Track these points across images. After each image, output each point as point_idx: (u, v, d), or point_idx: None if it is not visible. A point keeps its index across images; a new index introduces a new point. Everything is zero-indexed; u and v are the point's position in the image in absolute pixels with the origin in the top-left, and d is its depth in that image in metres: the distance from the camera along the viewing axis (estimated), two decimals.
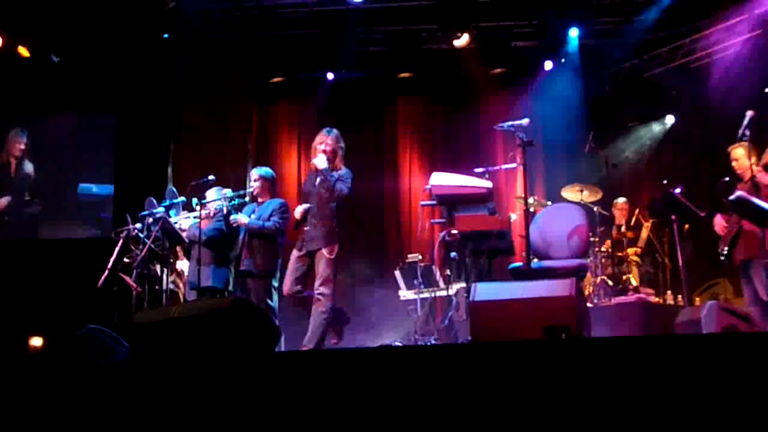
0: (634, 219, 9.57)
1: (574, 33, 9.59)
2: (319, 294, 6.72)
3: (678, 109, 10.23)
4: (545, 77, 10.11)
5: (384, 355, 4.36)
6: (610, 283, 8.51)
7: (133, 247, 7.50)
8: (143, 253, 7.20)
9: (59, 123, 10.51)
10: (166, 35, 9.71)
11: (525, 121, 6.48)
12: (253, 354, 4.45)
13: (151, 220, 7.31)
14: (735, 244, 6.68)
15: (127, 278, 7.36)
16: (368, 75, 10.50)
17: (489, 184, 6.67)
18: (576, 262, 6.86)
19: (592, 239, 8.39)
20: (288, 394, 3.59)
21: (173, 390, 3.75)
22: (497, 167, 7.55)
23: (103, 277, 7.16)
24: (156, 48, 9.72)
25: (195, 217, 7.35)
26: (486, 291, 5.36)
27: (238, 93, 10.54)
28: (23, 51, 9.66)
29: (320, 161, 6.85)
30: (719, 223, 6.83)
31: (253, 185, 7.43)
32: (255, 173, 7.52)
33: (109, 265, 7.22)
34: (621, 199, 9.63)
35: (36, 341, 8.83)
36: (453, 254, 7.98)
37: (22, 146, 10.27)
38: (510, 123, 6.52)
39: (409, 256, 9.07)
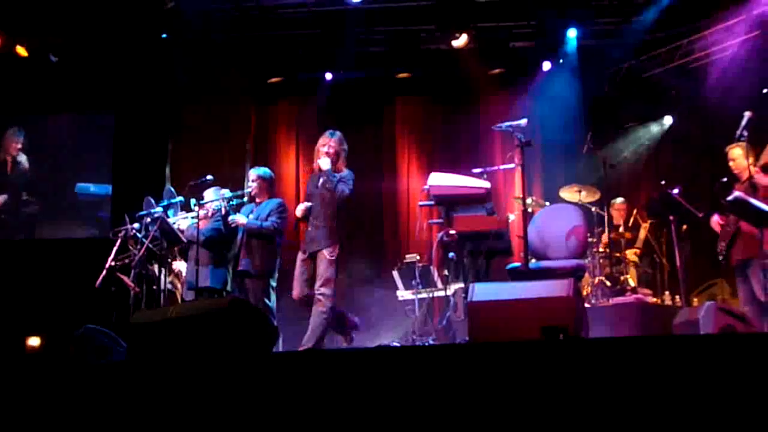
0: (632, 219, 9.56)
1: (572, 33, 9.59)
2: (319, 294, 6.74)
3: (676, 110, 10.22)
4: (544, 77, 10.11)
5: (382, 355, 4.36)
6: (608, 283, 8.50)
7: (131, 248, 7.51)
8: (141, 254, 7.19)
9: (58, 123, 10.52)
10: (164, 35, 9.70)
11: (523, 122, 6.48)
12: (250, 354, 4.44)
13: (149, 220, 7.31)
14: (733, 245, 6.68)
15: (125, 278, 7.35)
16: (367, 75, 10.50)
17: (487, 184, 6.67)
18: (574, 262, 6.86)
19: (590, 240, 8.40)
20: (286, 395, 3.59)
21: (171, 390, 3.75)
22: (495, 167, 7.56)
23: (101, 277, 7.16)
24: (154, 48, 9.72)
25: (193, 218, 7.34)
26: (484, 291, 5.37)
27: (237, 93, 10.53)
28: (21, 51, 9.65)
29: (324, 163, 6.88)
30: (715, 220, 6.84)
31: (251, 185, 7.42)
32: (253, 173, 7.52)
33: (107, 265, 7.22)
34: (619, 200, 9.62)
35: (34, 341, 8.82)
36: (451, 254, 7.97)
37: (19, 146, 10.28)
38: (508, 123, 6.53)
39: (407, 256, 9.07)
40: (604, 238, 8.85)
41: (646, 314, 7.39)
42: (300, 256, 6.97)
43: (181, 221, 7.56)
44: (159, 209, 7.31)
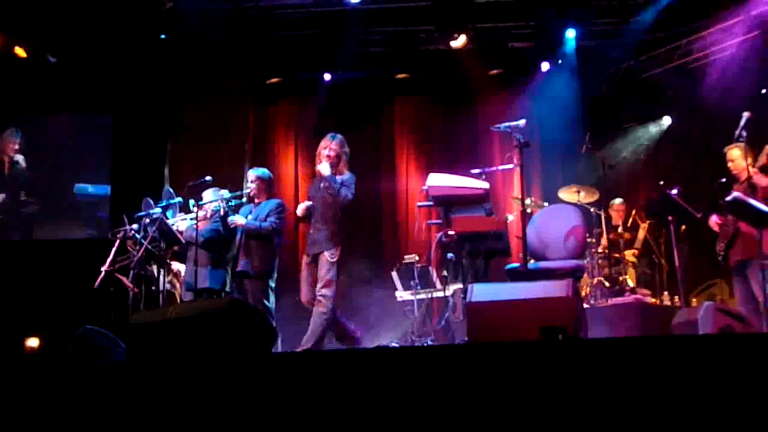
0: (631, 220, 9.57)
1: (571, 34, 9.59)
2: (320, 296, 6.78)
3: (675, 110, 10.22)
4: (542, 78, 10.11)
5: (381, 355, 4.36)
6: (607, 284, 8.51)
7: (130, 248, 7.51)
8: (140, 254, 7.19)
9: (56, 123, 10.52)
10: (163, 36, 9.70)
11: (522, 122, 6.48)
12: (249, 355, 4.44)
13: (147, 220, 7.30)
14: (732, 245, 6.69)
15: (124, 279, 7.35)
16: (366, 75, 10.50)
17: (486, 185, 6.67)
18: (573, 263, 6.86)
19: (588, 240, 8.40)
20: (285, 395, 3.59)
21: (170, 391, 3.74)
22: (494, 168, 7.55)
23: (99, 278, 7.16)
24: (153, 48, 9.72)
25: (192, 219, 7.34)
26: (483, 292, 5.37)
27: (236, 93, 10.53)
28: (20, 51, 9.65)
29: (325, 168, 6.89)
30: (715, 222, 6.84)
31: (250, 186, 7.42)
32: (252, 174, 7.52)
33: (106, 266, 7.22)
34: (618, 200, 9.63)
35: (32, 342, 8.82)
36: (450, 255, 7.97)
37: (16, 146, 10.28)
38: (507, 124, 6.52)
39: (406, 256, 9.07)
40: (603, 240, 8.86)
41: (645, 314, 7.39)
42: (305, 260, 7.04)
43: (180, 222, 7.55)
44: (158, 210, 7.30)
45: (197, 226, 7.17)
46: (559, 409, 3.26)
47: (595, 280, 8.55)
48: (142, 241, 7.22)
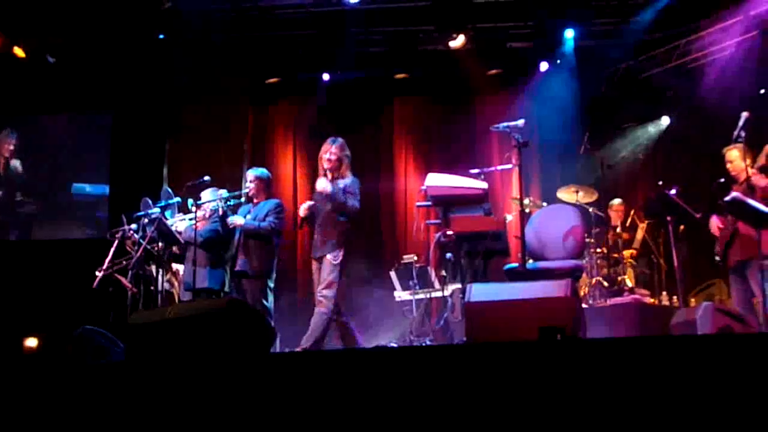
0: (629, 220, 9.57)
1: (570, 34, 9.59)
2: (321, 296, 6.82)
3: (674, 110, 10.23)
4: (541, 78, 10.11)
5: (379, 355, 4.36)
6: (606, 284, 8.52)
7: (129, 249, 7.50)
8: (138, 254, 7.18)
9: (55, 123, 10.52)
10: (162, 36, 9.69)
11: (521, 122, 6.48)
12: (248, 355, 4.44)
13: (146, 220, 7.30)
14: (731, 245, 6.69)
15: (123, 279, 7.35)
16: (365, 76, 10.50)
17: (484, 185, 6.68)
18: (571, 263, 6.86)
19: (587, 240, 8.40)
20: (283, 395, 3.59)
21: (169, 391, 3.74)
22: (493, 168, 7.56)
23: (98, 278, 7.16)
24: (152, 48, 9.71)
25: (191, 219, 7.33)
26: (481, 292, 5.38)
27: (235, 93, 10.53)
28: (19, 51, 9.64)
29: (325, 186, 6.88)
30: (714, 224, 6.85)
31: (249, 186, 7.42)
32: (251, 174, 7.52)
33: (105, 266, 7.21)
34: (616, 200, 9.63)
35: (31, 342, 8.82)
36: (448, 255, 7.99)
37: (12, 147, 10.28)
38: (506, 124, 6.53)
39: (404, 256, 9.08)
40: (603, 241, 8.86)
41: (644, 314, 7.39)
42: (314, 265, 7.06)
43: (179, 222, 7.55)
44: (156, 210, 7.29)
45: (196, 226, 7.17)
46: (558, 409, 3.26)
47: (594, 280, 8.55)
48: (141, 241, 7.22)
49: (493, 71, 10.34)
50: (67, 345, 5.80)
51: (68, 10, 9.16)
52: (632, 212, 9.58)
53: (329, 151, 7.06)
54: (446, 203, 6.65)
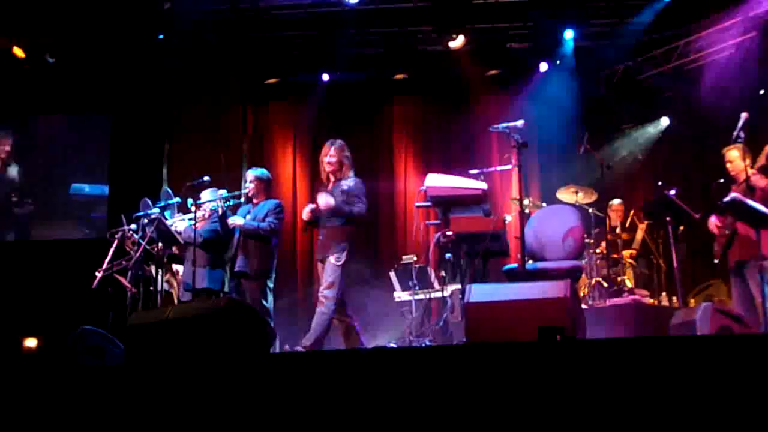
0: (629, 221, 9.58)
1: (568, 35, 9.61)
2: (322, 296, 6.81)
3: (673, 111, 10.24)
4: (540, 79, 10.13)
5: (378, 356, 4.35)
6: (605, 284, 8.52)
7: (128, 249, 7.50)
8: (138, 255, 7.18)
9: (54, 123, 10.51)
10: (160, 36, 9.69)
11: (520, 123, 6.48)
12: (247, 355, 4.44)
13: (146, 221, 7.29)
14: (730, 246, 6.69)
15: (122, 279, 7.34)
16: (364, 76, 10.51)
17: (484, 185, 6.67)
18: (571, 263, 6.87)
19: (586, 241, 8.40)
20: (282, 396, 3.59)
21: (168, 391, 3.74)
22: (492, 169, 7.55)
23: (97, 279, 7.15)
24: (152, 49, 9.71)
25: (190, 219, 7.33)
26: (481, 292, 5.37)
27: (234, 94, 10.54)
28: (18, 52, 9.64)
29: (324, 200, 6.88)
30: (713, 222, 6.85)
31: (249, 186, 7.41)
32: (250, 174, 7.51)
33: (104, 266, 7.21)
34: (616, 201, 9.63)
35: (30, 342, 8.81)
36: (448, 255, 7.99)
37: (7, 147, 10.28)
38: (505, 124, 6.52)
39: (404, 257, 9.08)
40: (602, 241, 8.86)
41: (643, 315, 7.39)
42: (319, 266, 7.06)
43: (178, 222, 7.55)
44: (156, 210, 7.29)
45: (195, 226, 7.16)
46: (557, 409, 3.26)
47: (594, 281, 8.55)
48: (141, 241, 7.21)
49: (493, 72, 10.36)
50: (66, 345, 5.79)
51: (67, 11, 9.16)
52: (632, 213, 9.59)
53: (328, 154, 7.07)
54: (446, 204, 6.64)
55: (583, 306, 7.11)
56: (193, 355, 4.45)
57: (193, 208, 7.20)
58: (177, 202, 7.61)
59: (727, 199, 6.36)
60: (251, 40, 10.11)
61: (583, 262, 8.39)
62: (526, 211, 7.56)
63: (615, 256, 9.02)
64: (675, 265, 7.10)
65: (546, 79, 10.06)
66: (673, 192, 7.12)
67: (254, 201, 7.38)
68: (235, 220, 7.18)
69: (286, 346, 7.27)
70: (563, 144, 9.77)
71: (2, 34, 9.49)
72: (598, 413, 3.23)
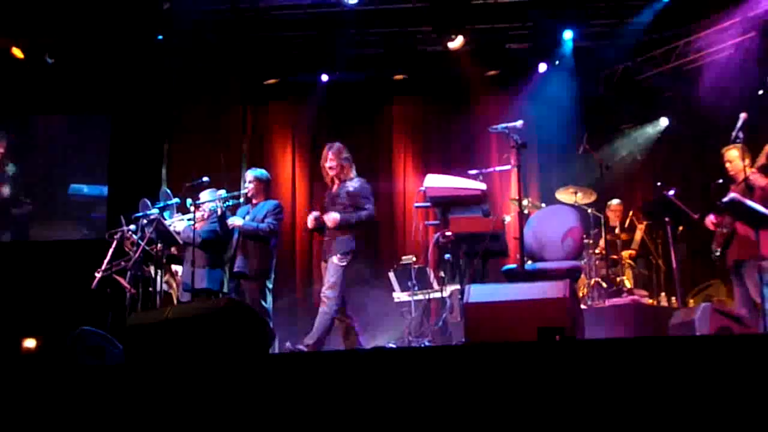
0: (628, 221, 9.58)
1: (568, 35, 9.61)
2: (324, 296, 6.84)
3: (672, 111, 10.24)
4: (539, 79, 10.13)
5: (378, 356, 4.35)
6: (604, 284, 8.52)
7: (127, 249, 7.49)
8: (137, 255, 7.18)
9: (53, 123, 10.51)
10: (160, 37, 9.69)
11: (519, 123, 6.48)
12: (246, 355, 4.44)
13: (145, 221, 7.29)
14: (729, 246, 6.69)
15: (122, 280, 7.34)
16: (363, 76, 10.51)
17: (483, 185, 6.67)
18: (570, 263, 6.87)
19: (586, 241, 8.40)
20: (281, 396, 3.59)
21: (167, 392, 3.74)
22: (491, 169, 7.56)
23: (97, 279, 7.15)
24: (151, 49, 9.71)
25: (189, 219, 7.33)
26: (480, 293, 5.37)
27: (233, 94, 10.54)
28: (17, 52, 9.63)
29: (330, 219, 6.91)
30: (710, 220, 6.84)
31: (248, 186, 7.41)
32: (250, 174, 7.51)
33: (103, 267, 7.21)
34: (615, 201, 9.63)
35: (29, 343, 8.81)
36: (447, 256, 7.99)
37: (1, 149, 10.26)
38: (504, 125, 6.52)
39: (403, 257, 9.07)
40: (602, 242, 8.86)
41: (642, 315, 7.39)
42: (323, 266, 7.06)
43: (177, 223, 7.54)
44: (155, 211, 7.28)
45: (195, 227, 7.16)
46: (556, 409, 3.26)
47: (593, 281, 8.55)
48: (140, 242, 7.21)
49: (492, 72, 10.36)
50: (65, 346, 5.79)
51: (67, 11, 9.15)
52: (631, 213, 9.59)
53: (328, 159, 7.11)
54: (445, 204, 6.65)
55: (583, 306, 7.11)
56: (192, 356, 4.45)
57: (192, 209, 7.20)
58: (176, 203, 7.61)
59: (726, 199, 6.37)
60: (251, 40, 10.11)
61: (583, 262, 8.39)
62: (525, 211, 7.56)
63: (614, 256, 9.02)
64: (674, 265, 7.10)
65: (545, 79, 10.06)
66: (672, 192, 7.12)
67: (253, 201, 7.38)
68: (235, 221, 7.18)
69: (288, 344, 7.26)
70: (562, 144, 9.76)
71: (2, 34, 9.48)
72: (597, 413, 3.23)
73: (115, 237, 7.43)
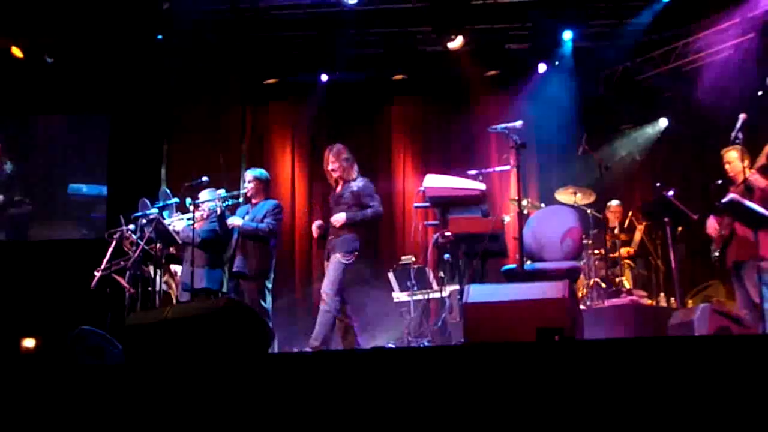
0: (627, 221, 9.58)
1: (567, 35, 9.61)
2: (323, 293, 6.85)
3: (671, 112, 10.25)
4: (539, 79, 10.13)
5: (377, 356, 4.36)
6: (604, 285, 8.52)
7: (127, 249, 7.49)
8: (136, 255, 7.17)
9: (53, 123, 10.50)
10: (159, 37, 9.69)
11: (518, 123, 6.48)
12: (246, 355, 4.44)
13: (144, 221, 7.29)
14: (728, 246, 6.69)
15: (121, 279, 7.34)
16: (363, 76, 10.51)
17: (482, 186, 6.68)
18: (569, 264, 6.87)
19: (585, 241, 8.40)
20: (281, 396, 3.59)
21: (167, 392, 3.74)
22: (491, 169, 7.56)
23: (96, 279, 7.15)
24: (151, 49, 9.71)
25: (188, 219, 7.33)
26: (479, 293, 5.37)
27: (232, 94, 10.53)
28: (17, 52, 9.63)
29: (336, 219, 6.95)
30: (711, 225, 6.85)
31: (248, 186, 7.42)
32: (249, 174, 7.52)
33: (103, 266, 7.21)
34: (614, 202, 9.63)
35: (29, 343, 8.81)
36: (446, 256, 7.99)
37: None
38: (504, 125, 6.52)
39: (402, 257, 9.08)
40: (607, 236, 8.87)
41: (642, 316, 7.39)
42: (326, 264, 7.08)
43: (177, 222, 7.54)
44: (154, 210, 7.29)
45: (194, 227, 7.16)
46: (555, 410, 3.26)
47: (592, 282, 8.56)
48: (139, 241, 7.21)
49: (492, 72, 10.36)
50: (64, 345, 5.79)
51: (67, 11, 9.15)
52: (630, 213, 9.59)
53: (329, 161, 7.13)
54: (444, 204, 6.65)
55: (582, 306, 7.12)
56: (191, 356, 4.45)
57: (191, 208, 7.20)
58: (175, 202, 7.61)
59: (725, 200, 6.37)
60: (251, 40, 10.11)
61: (582, 262, 8.39)
62: (525, 211, 7.57)
63: (613, 256, 9.02)
64: (673, 265, 7.10)
65: (545, 79, 10.07)
66: (671, 193, 7.13)
67: (253, 201, 7.39)
68: (234, 221, 7.18)
69: (295, 349, 7.25)
70: (562, 144, 9.76)
71: (2, 34, 9.47)
72: (597, 413, 3.23)
73: (115, 237, 7.42)
